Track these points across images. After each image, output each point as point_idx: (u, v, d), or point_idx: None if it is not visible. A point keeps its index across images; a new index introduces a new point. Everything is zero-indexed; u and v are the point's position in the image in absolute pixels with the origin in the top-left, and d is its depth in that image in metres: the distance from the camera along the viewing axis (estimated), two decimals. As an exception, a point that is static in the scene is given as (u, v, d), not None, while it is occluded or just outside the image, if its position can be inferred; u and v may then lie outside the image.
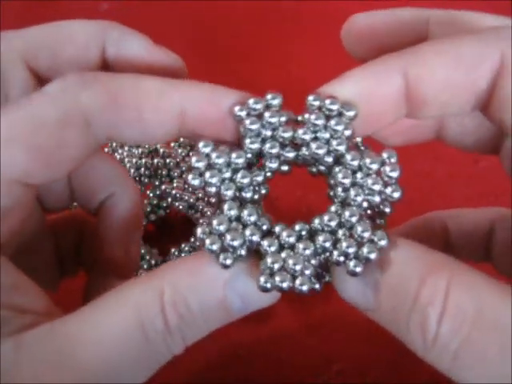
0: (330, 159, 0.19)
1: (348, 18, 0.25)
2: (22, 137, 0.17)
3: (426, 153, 0.38)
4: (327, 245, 0.18)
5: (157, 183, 0.31)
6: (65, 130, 0.17)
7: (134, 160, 0.30)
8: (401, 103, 0.19)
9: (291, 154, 0.19)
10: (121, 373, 0.17)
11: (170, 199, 0.29)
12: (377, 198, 0.18)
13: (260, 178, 0.19)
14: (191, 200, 0.29)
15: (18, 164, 0.17)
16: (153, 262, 0.29)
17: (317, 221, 0.19)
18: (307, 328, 0.31)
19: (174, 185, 0.30)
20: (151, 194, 0.32)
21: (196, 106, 0.19)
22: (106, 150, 0.31)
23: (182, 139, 0.32)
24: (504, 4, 0.46)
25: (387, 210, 0.19)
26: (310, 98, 0.20)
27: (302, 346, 0.30)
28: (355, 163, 0.18)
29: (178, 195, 0.29)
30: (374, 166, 0.18)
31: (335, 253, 0.18)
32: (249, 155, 0.19)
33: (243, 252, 0.18)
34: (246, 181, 0.18)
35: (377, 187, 0.18)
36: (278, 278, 0.18)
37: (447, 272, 0.16)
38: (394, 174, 0.18)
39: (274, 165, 0.19)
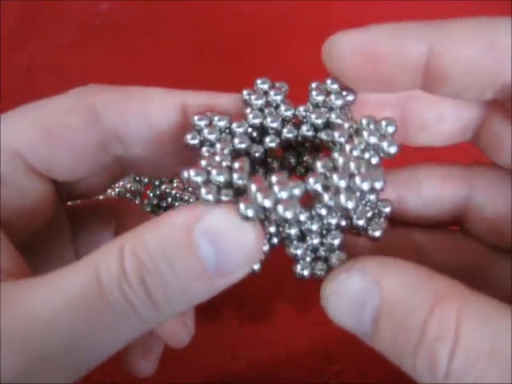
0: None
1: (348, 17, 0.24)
2: (31, 115, 0.19)
3: (425, 152, 0.38)
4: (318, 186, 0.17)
5: (157, 183, 0.31)
6: (71, 114, 0.19)
7: None
8: (418, 73, 0.18)
9: (291, 135, 0.19)
10: (77, 332, 0.15)
11: (170, 199, 0.29)
12: (375, 158, 0.18)
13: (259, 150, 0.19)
14: (191, 200, 0.29)
15: (22, 135, 0.18)
16: None
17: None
18: (307, 328, 0.31)
19: (174, 185, 0.30)
20: (151, 194, 0.32)
21: (197, 101, 0.19)
22: None
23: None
24: (504, 4, 0.46)
25: (387, 209, 0.19)
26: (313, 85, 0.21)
27: (302, 345, 0.30)
28: (347, 126, 0.19)
29: (177, 195, 0.29)
30: (371, 126, 0.18)
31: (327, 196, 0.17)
32: (249, 129, 0.19)
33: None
34: (243, 146, 0.19)
35: (373, 139, 0.18)
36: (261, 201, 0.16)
37: (457, 301, 0.14)
38: (390, 129, 0.18)
39: (272, 143, 0.19)
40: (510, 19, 0.17)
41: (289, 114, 0.20)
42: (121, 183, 0.29)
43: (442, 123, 0.21)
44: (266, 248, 0.19)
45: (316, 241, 0.18)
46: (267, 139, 0.19)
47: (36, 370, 0.15)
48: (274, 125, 0.19)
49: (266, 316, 0.31)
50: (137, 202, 0.29)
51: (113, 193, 0.29)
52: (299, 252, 0.18)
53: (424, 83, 0.18)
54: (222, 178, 0.17)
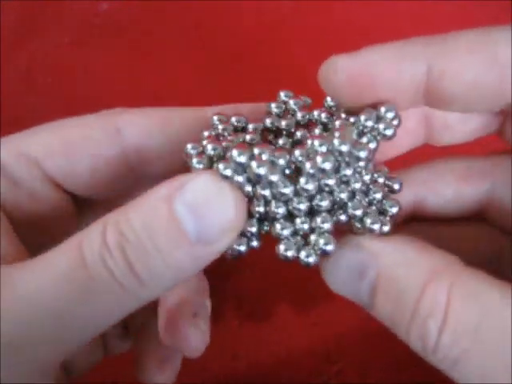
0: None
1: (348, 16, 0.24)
2: (54, 128, 0.19)
3: (426, 151, 0.38)
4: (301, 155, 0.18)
5: None
6: (92, 128, 0.19)
7: None
8: (418, 94, 0.18)
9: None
10: (63, 307, 0.15)
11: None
12: (372, 143, 0.18)
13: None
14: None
15: (42, 145, 0.19)
16: None
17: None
18: (307, 328, 0.31)
19: None
20: None
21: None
22: None
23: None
24: (504, 4, 0.46)
25: (394, 209, 0.19)
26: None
27: (302, 345, 0.30)
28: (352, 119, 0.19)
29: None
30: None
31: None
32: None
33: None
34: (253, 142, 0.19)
35: (370, 123, 0.18)
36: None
37: (447, 279, 0.15)
38: (390, 115, 0.18)
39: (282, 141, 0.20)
40: (509, 29, 0.17)
41: (301, 117, 0.21)
42: None
43: (466, 122, 0.20)
44: (254, 229, 0.19)
45: (305, 225, 0.18)
46: (280, 141, 0.20)
47: (22, 345, 0.15)
48: (287, 126, 0.20)
49: (266, 316, 0.31)
50: None
51: None
52: (285, 232, 0.18)
53: (427, 102, 0.18)
54: (214, 151, 0.17)
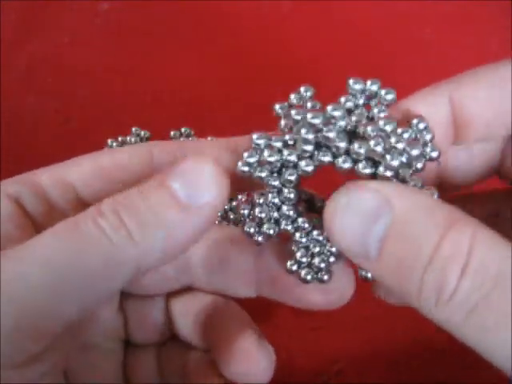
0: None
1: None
2: (92, 156, 0.21)
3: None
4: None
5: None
6: (126, 156, 0.20)
7: None
8: (449, 129, 0.19)
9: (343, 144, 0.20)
10: (56, 274, 0.16)
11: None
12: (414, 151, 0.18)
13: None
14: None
15: (78, 171, 0.20)
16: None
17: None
18: (307, 328, 0.31)
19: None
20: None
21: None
22: (106, 149, 0.31)
23: (182, 139, 0.31)
24: (504, 4, 0.46)
25: (419, 165, 0.19)
26: (351, 81, 0.22)
27: (302, 346, 0.30)
28: (388, 128, 0.19)
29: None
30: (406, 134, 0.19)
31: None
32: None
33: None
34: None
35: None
36: None
37: (470, 228, 0.15)
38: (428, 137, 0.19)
39: (308, 147, 0.20)
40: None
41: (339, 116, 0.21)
42: None
43: (472, 161, 0.21)
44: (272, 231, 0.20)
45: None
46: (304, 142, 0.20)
47: (22, 319, 0.16)
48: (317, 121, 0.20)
49: (266, 317, 0.31)
50: None
51: None
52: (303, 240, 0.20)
53: (455, 136, 0.20)
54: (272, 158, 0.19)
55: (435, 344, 0.30)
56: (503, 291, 0.14)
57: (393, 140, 0.18)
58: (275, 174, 0.20)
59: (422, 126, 0.19)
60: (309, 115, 0.20)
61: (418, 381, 0.30)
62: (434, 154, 0.19)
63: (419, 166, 0.18)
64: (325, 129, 0.19)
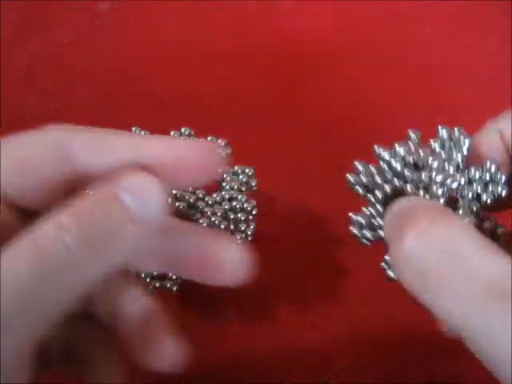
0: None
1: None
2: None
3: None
4: None
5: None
6: (39, 146, 0.21)
7: None
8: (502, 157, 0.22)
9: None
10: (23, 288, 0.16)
11: (170, 199, 0.29)
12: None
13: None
14: (191, 200, 0.29)
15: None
16: None
17: None
18: (307, 328, 0.31)
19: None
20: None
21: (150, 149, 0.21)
22: None
23: (182, 138, 0.31)
24: (504, 4, 0.46)
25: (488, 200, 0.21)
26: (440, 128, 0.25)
27: (301, 346, 0.30)
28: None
29: (178, 195, 0.29)
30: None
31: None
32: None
33: None
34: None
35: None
36: None
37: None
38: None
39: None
40: None
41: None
42: None
43: None
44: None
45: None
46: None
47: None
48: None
49: (266, 316, 0.31)
50: None
51: None
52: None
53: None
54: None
55: (438, 344, 0.30)
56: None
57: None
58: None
59: (493, 167, 0.22)
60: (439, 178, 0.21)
61: (419, 381, 0.30)
62: (503, 193, 0.21)
63: (488, 201, 0.21)
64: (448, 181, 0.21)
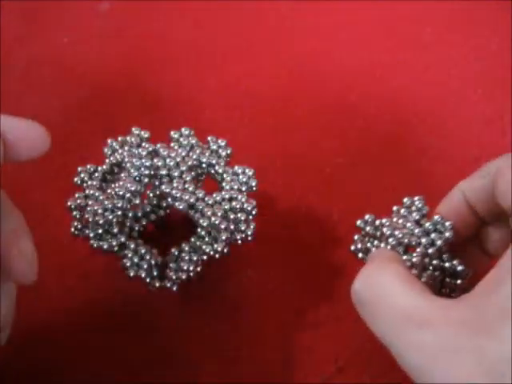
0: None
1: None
2: None
3: (426, 152, 0.38)
4: None
5: (157, 183, 0.31)
6: None
7: (135, 160, 0.30)
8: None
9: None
10: None
11: (169, 199, 0.29)
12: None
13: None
14: (191, 200, 0.29)
15: None
16: (153, 261, 0.29)
17: None
18: (307, 328, 0.31)
19: (174, 185, 0.30)
20: (151, 194, 0.32)
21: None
22: (106, 149, 0.31)
23: (182, 139, 0.31)
24: (504, 4, 0.46)
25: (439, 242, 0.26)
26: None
27: (301, 345, 0.30)
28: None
29: (177, 195, 0.29)
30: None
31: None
32: None
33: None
34: None
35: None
36: None
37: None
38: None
39: None
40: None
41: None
42: (121, 183, 0.29)
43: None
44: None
45: None
46: None
47: None
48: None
49: (266, 316, 0.31)
50: (137, 201, 0.29)
51: (113, 192, 0.29)
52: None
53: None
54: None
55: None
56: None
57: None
58: None
59: (439, 218, 0.26)
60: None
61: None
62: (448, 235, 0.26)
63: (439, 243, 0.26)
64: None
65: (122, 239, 0.29)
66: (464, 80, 0.42)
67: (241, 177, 0.30)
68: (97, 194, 0.29)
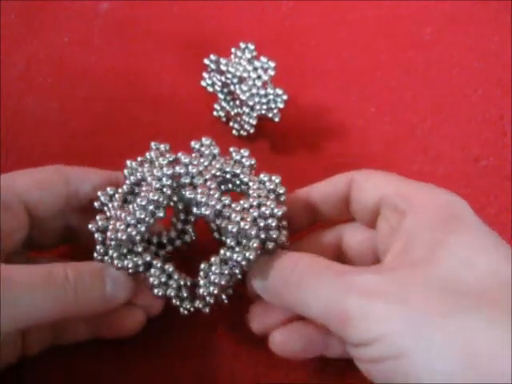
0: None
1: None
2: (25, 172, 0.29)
3: (426, 152, 0.38)
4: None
5: (180, 191, 0.28)
6: (49, 173, 0.29)
7: (155, 170, 0.28)
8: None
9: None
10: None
11: (195, 209, 0.27)
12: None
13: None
14: (218, 207, 0.27)
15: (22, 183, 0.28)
16: (182, 282, 0.28)
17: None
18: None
19: (199, 190, 0.27)
20: (175, 219, 0.30)
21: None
22: (126, 171, 0.29)
23: (203, 149, 0.29)
24: (504, 4, 0.46)
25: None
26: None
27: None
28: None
29: (203, 200, 0.27)
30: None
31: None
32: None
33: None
34: None
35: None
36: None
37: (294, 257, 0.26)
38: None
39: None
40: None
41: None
42: (142, 194, 0.27)
43: None
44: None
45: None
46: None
47: None
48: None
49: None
50: (161, 214, 0.27)
51: (134, 205, 0.27)
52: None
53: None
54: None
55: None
56: None
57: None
58: None
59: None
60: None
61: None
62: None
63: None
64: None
65: (148, 258, 0.27)
66: (464, 80, 0.42)
67: (268, 184, 0.29)
68: (118, 213, 0.27)
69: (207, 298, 0.27)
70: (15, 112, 0.40)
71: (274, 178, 0.29)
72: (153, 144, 0.29)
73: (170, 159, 0.28)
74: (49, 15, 0.45)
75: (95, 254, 0.27)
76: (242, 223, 0.26)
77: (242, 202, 0.27)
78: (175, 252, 0.30)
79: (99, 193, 0.29)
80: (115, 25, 0.45)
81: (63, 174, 0.29)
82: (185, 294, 0.28)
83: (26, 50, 0.43)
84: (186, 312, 0.28)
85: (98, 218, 0.28)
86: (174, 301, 0.28)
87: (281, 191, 0.28)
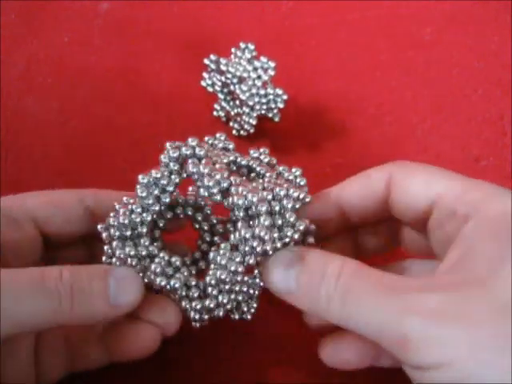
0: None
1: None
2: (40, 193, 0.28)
3: (426, 152, 0.38)
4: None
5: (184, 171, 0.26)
6: (66, 194, 0.28)
7: (162, 156, 0.26)
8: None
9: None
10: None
11: (199, 183, 0.25)
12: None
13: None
14: (224, 184, 0.24)
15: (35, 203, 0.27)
16: (189, 277, 0.26)
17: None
18: (307, 327, 0.31)
19: (203, 162, 0.25)
20: (200, 241, 0.29)
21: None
22: (139, 190, 0.26)
23: (216, 142, 0.28)
24: (504, 4, 0.46)
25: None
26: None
27: (301, 345, 0.30)
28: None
29: (206, 171, 0.24)
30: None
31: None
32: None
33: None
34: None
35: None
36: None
37: (337, 262, 0.23)
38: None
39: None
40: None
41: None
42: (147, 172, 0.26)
43: None
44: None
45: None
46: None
47: None
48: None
49: (266, 315, 0.31)
50: (166, 200, 0.26)
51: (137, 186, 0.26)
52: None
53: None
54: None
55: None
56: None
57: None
58: None
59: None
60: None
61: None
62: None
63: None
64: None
65: (150, 248, 0.25)
66: (464, 80, 0.42)
67: (286, 174, 0.26)
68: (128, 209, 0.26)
69: (214, 292, 0.25)
70: (15, 112, 0.40)
71: (294, 169, 0.26)
72: (168, 144, 0.27)
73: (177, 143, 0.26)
74: (49, 15, 0.45)
75: (104, 258, 0.26)
76: (250, 195, 0.23)
77: (254, 183, 0.24)
78: (199, 273, 0.28)
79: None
80: (115, 25, 0.45)
81: (77, 193, 0.28)
82: (195, 295, 0.25)
83: (26, 50, 0.43)
84: (197, 324, 0.26)
85: (107, 218, 0.26)
86: (183, 303, 0.25)
87: (302, 183, 0.26)
